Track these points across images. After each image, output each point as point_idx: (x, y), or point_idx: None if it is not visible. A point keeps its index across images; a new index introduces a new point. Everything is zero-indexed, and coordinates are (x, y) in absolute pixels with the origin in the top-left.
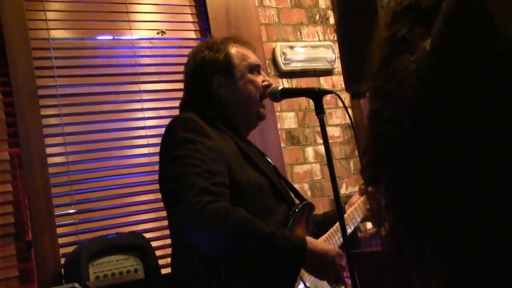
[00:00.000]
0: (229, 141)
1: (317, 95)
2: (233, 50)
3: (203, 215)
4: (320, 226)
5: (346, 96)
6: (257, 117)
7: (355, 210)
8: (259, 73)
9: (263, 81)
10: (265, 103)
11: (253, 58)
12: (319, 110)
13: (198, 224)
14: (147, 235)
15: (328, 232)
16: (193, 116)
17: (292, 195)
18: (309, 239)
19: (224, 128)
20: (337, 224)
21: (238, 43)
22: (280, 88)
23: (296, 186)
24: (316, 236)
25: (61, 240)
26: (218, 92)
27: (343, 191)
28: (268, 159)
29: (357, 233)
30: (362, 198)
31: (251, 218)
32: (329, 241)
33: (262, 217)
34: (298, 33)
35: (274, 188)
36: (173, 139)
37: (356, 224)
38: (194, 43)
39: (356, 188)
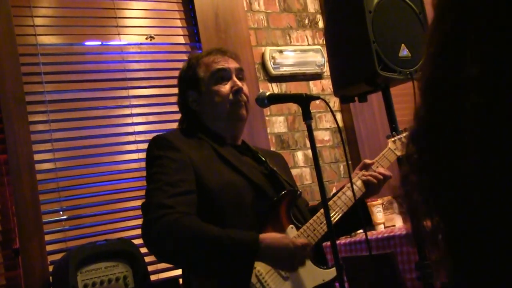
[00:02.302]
0: (206, 148)
1: (304, 101)
2: (201, 63)
3: (153, 231)
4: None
5: (335, 100)
6: (234, 120)
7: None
8: (227, 79)
9: (232, 87)
10: (245, 104)
11: (216, 65)
12: (306, 116)
13: (152, 241)
14: (136, 241)
15: (311, 220)
16: (169, 134)
17: (287, 185)
18: (263, 235)
19: (204, 137)
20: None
21: (210, 54)
22: (267, 93)
23: None
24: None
25: (49, 247)
26: (192, 107)
27: None
28: (262, 157)
29: (368, 209)
30: (361, 173)
31: (198, 224)
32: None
33: (238, 215)
34: (287, 37)
35: (254, 185)
36: (148, 159)
37: (360, 197)
38: (183, 48)
39: None
